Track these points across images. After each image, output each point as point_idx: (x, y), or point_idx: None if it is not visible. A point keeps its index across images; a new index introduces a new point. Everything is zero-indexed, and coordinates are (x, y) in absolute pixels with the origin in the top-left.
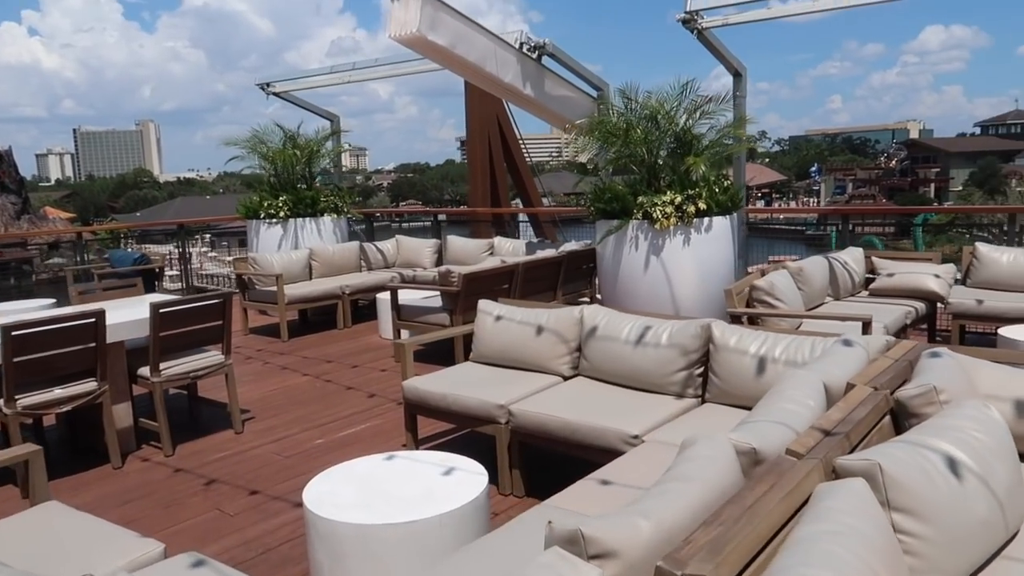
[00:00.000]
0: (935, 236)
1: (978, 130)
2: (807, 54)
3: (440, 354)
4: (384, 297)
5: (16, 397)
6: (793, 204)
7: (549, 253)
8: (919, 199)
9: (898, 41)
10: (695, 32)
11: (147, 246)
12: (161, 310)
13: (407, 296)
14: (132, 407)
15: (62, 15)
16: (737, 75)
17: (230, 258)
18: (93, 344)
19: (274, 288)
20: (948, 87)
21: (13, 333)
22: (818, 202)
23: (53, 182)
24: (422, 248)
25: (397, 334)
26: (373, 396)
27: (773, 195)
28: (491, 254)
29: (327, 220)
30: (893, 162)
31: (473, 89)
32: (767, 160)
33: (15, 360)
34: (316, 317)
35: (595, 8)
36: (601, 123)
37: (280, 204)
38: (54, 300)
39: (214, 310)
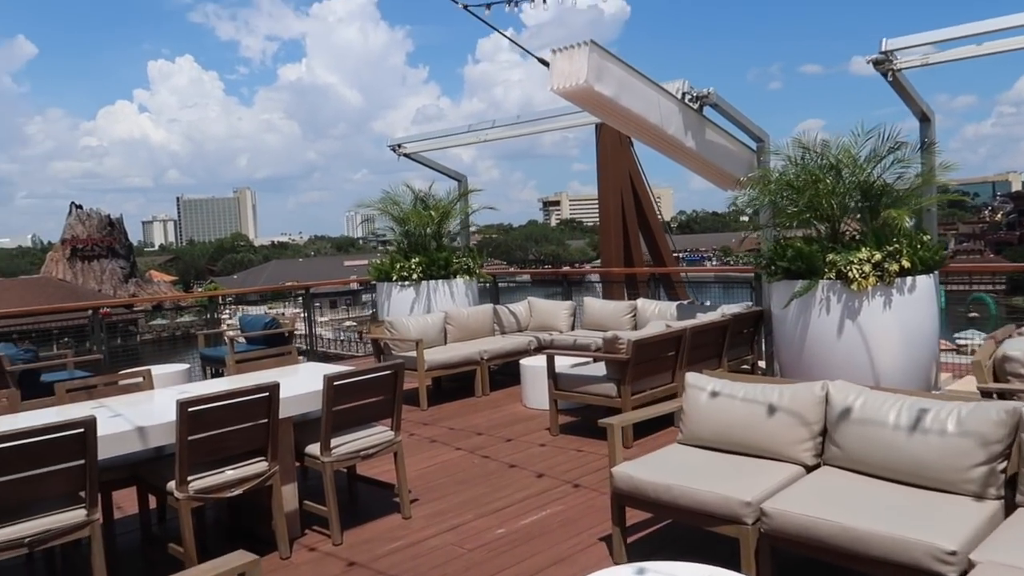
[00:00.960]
0: None
1: None
2: (892, 108)
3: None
4: (529, 364)
5: (189, 479)
6: None
7: (712, 317)
8: None
9: (991, 92)
10: (889, 75)
11: (246, 308)
12: (335, 382)
13: (563, 363)
14: (298, 489)
15: (169, 93)
16: (925, 119)
17: (348, 320)
18: (265, 420)
19: (411, 353)
20: None
21: (190, 409)
22: None
23: (157, 247)
24: (557, 311)
25: (555, 405)
26: (542, 476)
27: None
28: (634, 316)
29: (459, 282)
30: (999, 215)
31: (605, 144)
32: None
33: (190, 439)
34: (450, 384)
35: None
36: (780, 176)
37: (412, 266)
38: (188, 366)
39: (385, 382)
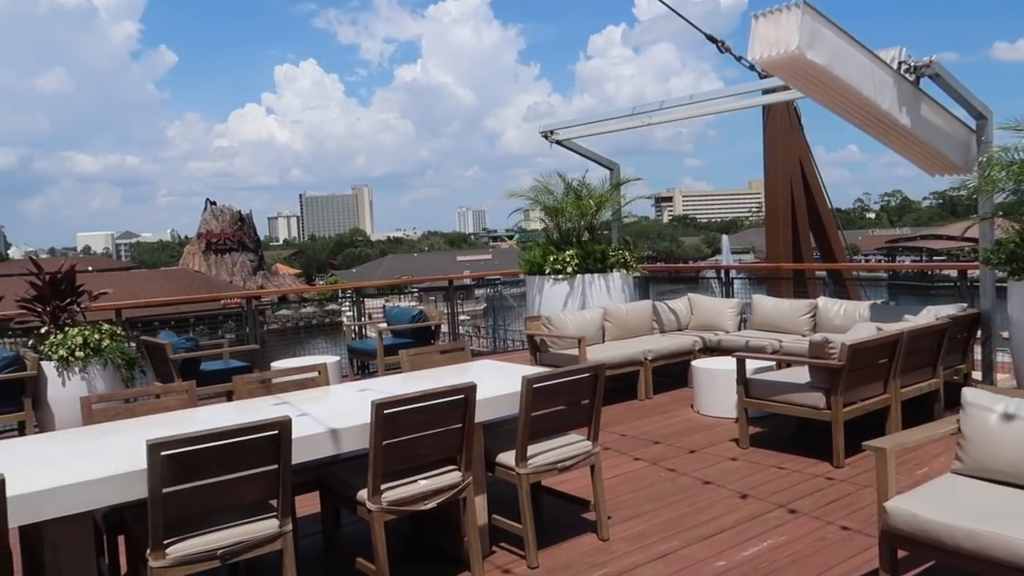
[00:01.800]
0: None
1: None
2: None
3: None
4: (703, 366)
5: (382, 489)
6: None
7: (925, 320)
8: None
9: None
10: None
11: (366, 300)
12: (535, 385)
13: (753, 367)
14: (487, 501)
15: (294, 95)
16: None
17: (462, 314)
18: (460, 425)
19: (571, 351)
20: None
21: (386, 411)
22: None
23: (281, 242)
24: (722, 309)
25: (744, 414)
26: (747, 497)
27: None
28: (813, 317)
29: (616, 276)
30: None
31: (774, 127)
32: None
33: (385, 443)
34: (609, 385)
35: None
36: None
37: (567, 259)
38: (338, 358)
39: (585, 385)
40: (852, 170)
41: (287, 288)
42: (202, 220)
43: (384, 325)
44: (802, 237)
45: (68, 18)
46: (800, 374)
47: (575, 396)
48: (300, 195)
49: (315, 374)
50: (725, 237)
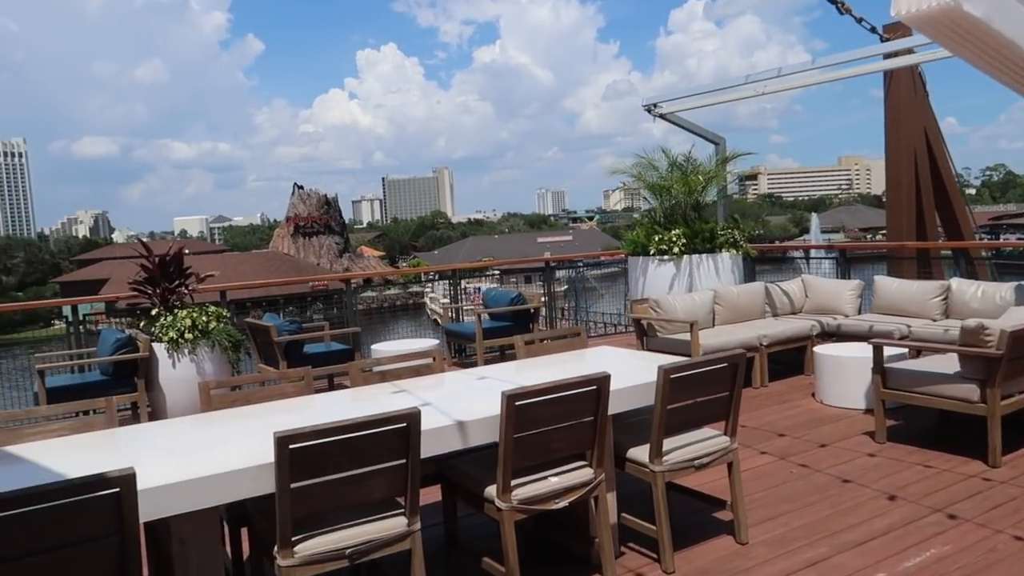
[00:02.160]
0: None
1: None
2: None
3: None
4: (828, 353)
5: (512, 486)
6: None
7: None
8: None
9: None
10: None
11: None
12: (673, 375)
13: (890, 355)
14: (616, 499)
15: (375, 80)
16: None
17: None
18: (592, 418)
19: (681, 336)
20: None
21: (517, 403)
22: None
23: (365, 224)
24: (840, 291)
25: (882, 406)
26: (895, 499)
27: None
28: (944, 300)
29: (725, 256)
30: None
31: (897, 95)
32: None
33: (515, 437)
34: None
35: None
36: None
37: (674, 238)
38: (437, 341)
39: (724, 376)
40: (951, 143)
41: (385, 271)
42: (290, 204)
43: (482, 308)
44: (927, 214)
45: (163, 10)
46: (946, 363)
47: (713, 387)
48: (383, 178)
49: (430, 360)
50: (814, 216)
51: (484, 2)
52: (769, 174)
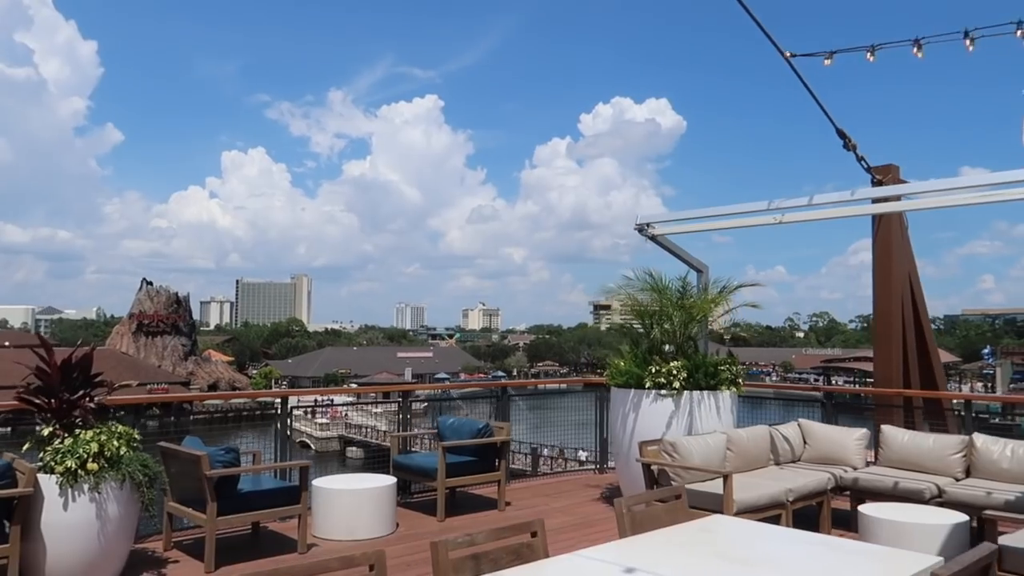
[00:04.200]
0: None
1: None
2: (951, 232)
3: None
4: (882, 516)
5: None
6: (966, 389)
7: None
8: None
9: None
10: None
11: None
12: None
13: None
14: None
15: (240, 181)
16: None
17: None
18: None
19: (701, 487)
20: None
21: None
22: (992, 387)
23: (212, 327)
24: (845, 440)
25: None
26: None
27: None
28: (965, 457)
29: (726, 395)
30: None
31: (886, 241)
32: None
33: None
34: None
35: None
36: None
37: (674, 371)
38: (393, 480)
39: None
40: (780, 290)
41: (342, 388)
42: (136, 300)
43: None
44: (912, 362)
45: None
46: None
47: None
48: (237, 280)
49: (528, 536)
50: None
51: (358, 119)
52: (622, 305)
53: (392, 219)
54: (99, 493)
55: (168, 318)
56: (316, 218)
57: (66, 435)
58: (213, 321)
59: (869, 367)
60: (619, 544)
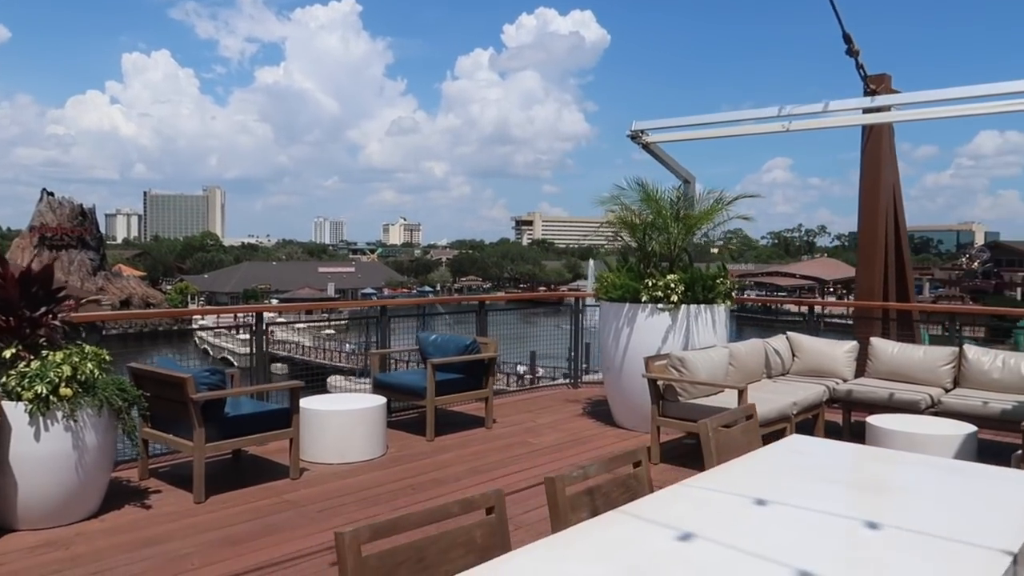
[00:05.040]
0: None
1: None
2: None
3: None
4: (902, 428)
5: None
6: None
7: None
8: (1007, 302)
9: (951, 144)
10: None
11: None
12: None
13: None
14: None
15: (143, 87)
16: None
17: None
18: None
19: (709, 401)
20: (1004, 191)
21: None
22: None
23: (120, 241)
24: (835, 352)
25: None
26: None
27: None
28: (955, 367)
29: (721, 309)
30: (975, 264)
31: (874, 149)
32: (823, 255)
33: None
34: None
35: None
36: None
37: (672, 284)
38: (384, 400)
39: None
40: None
41: (312, 303)
42: (36, 212)
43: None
44: (893, 273)
45: None
46: None
47: None
48: (144, 193)
49: (630, 466)
50: (591, 262)
51: (271, 21)
52: (544, 221)
53: (308, 130)
54: (75, 421)
55: (73, 231)
56: (227, 127)
57: (32, 357)
58: (120, 235)
59: (781, 281)
60: (715, 473)
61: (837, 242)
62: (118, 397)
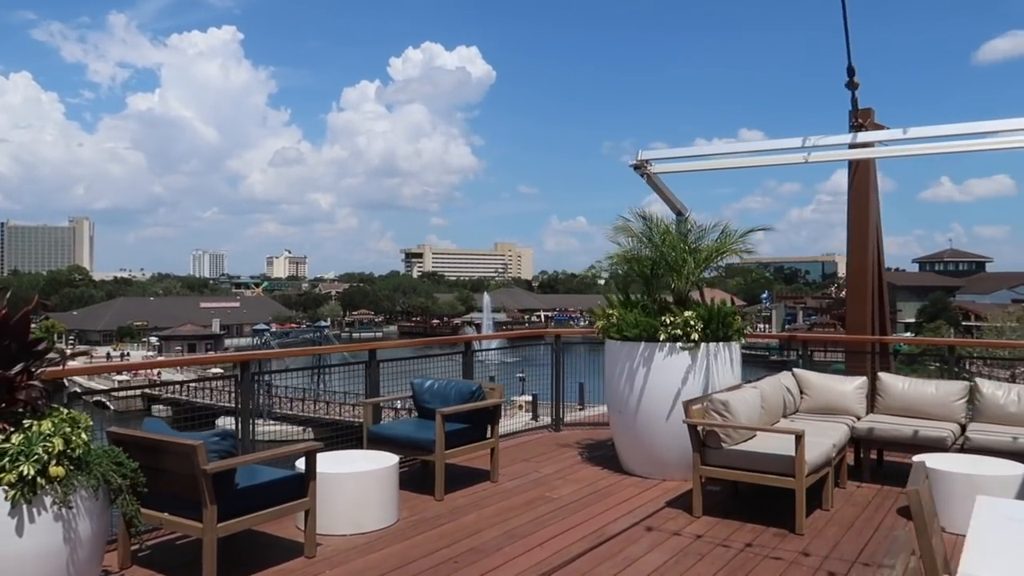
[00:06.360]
0: (908, 365)
1: (916, 267)
2: (729, 188)
3: None
4: (951, 469)
5: None
6: (749, 330)
7: None
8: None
9: (813, 181)
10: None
11: (86, 346)
12: None
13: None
14: None
15: (0, 111)
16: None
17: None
18: None
19: (752, 447)
20: None
21: None
22: (770, 328)
23: None
24: (845, 389)
25: None
26: None
27: None
28: (966, 402)
29: (736, 347)
30: (844, 292)
31: (861, 185)
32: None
33: None
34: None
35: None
36: None
37: (691, 321)
38: (396, 458)
39: None
40: (580, 239)
41: (308, 349)
42: None
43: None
44: (874, 307)
45: None
46: None
47: None
48: (2, 224)
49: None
50: (486, 295)
51: (144, 47)
52: (434, 253)
53: (186, 159)
54: (68, 508)
55: None
56: (96, 155)
57: (12, 430)
58: None
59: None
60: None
61: (716, 273)
62: (115, 473)
